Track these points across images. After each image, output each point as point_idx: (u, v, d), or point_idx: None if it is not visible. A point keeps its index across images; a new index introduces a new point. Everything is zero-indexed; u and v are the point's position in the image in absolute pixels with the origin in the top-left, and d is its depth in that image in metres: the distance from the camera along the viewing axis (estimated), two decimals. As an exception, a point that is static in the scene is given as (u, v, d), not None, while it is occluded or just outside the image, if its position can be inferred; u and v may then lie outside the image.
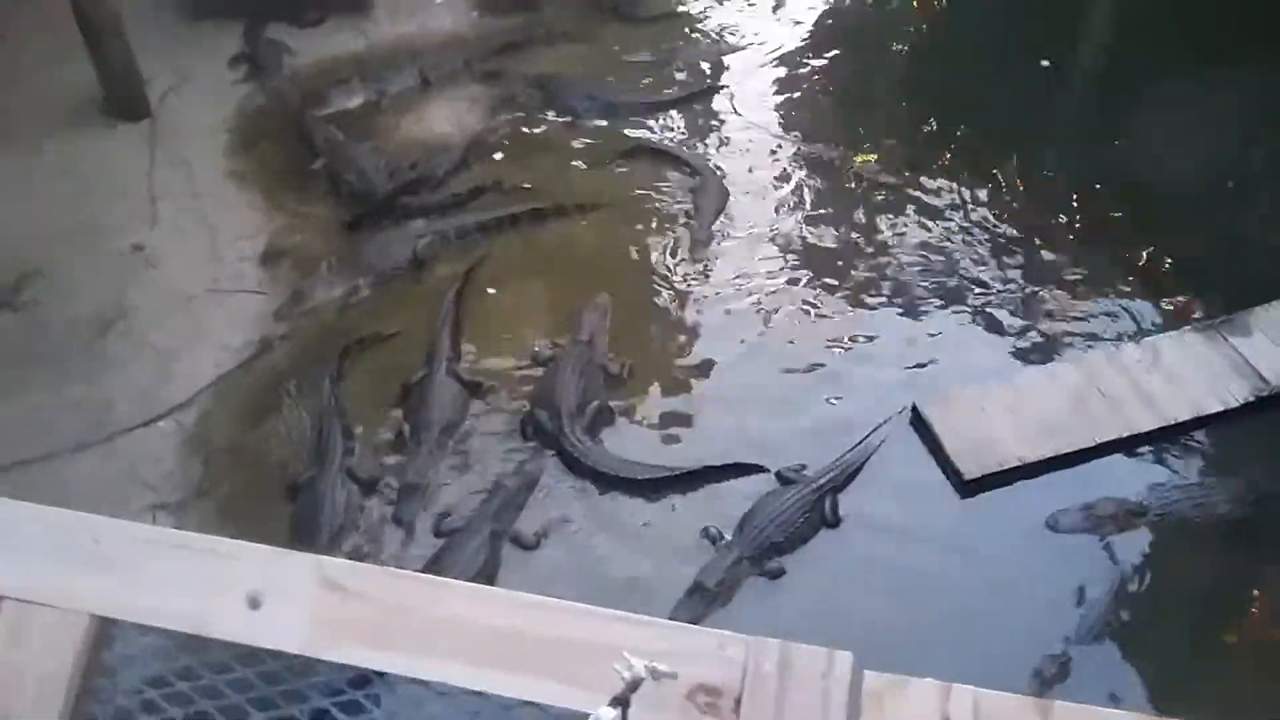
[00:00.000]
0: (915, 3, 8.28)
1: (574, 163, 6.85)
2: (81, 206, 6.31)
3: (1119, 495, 4.97)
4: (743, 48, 7.84)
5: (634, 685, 1.47)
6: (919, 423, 5.29)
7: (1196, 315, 5.81)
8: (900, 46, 8.09)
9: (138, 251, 6.09)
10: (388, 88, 7.22)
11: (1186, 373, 5.47)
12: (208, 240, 6.21)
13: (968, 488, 5.03)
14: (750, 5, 8.26)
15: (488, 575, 4.57)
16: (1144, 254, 6.20)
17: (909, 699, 1.47)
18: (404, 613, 1.77)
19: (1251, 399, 5.35)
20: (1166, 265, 6.15)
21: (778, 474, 5.06)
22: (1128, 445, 5.24)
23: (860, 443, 5.19)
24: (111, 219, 6.27)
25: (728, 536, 4.77)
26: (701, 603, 4.48)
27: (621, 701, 1.46)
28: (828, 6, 8.16)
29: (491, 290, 6.02)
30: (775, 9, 8.23)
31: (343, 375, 5.49)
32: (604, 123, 7.15)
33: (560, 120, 7.14)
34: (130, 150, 6.71)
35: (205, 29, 7.67)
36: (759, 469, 5.10)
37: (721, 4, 8.28)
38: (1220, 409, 5.33)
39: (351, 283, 5.93)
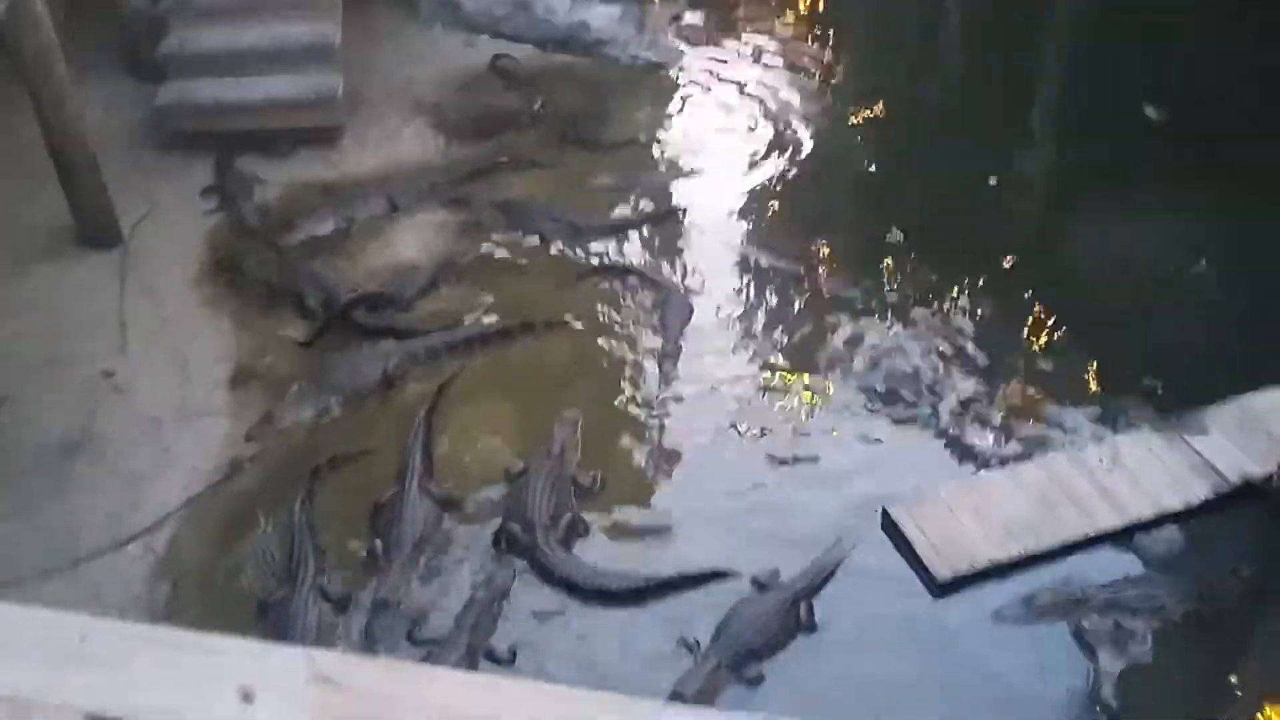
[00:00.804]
0: (864, 127, 8.65)
1: (540, 283, 7.00)
2: (52, 334, 6.35)
3: (1069, 589, 5.05)
4: (702, 171, 8.11)
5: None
6: (889, 526, 5.35)
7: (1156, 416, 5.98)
8: (855, 168, 8.43)
9: (107, 377, 6.10)
10: (356, 214, 7.39)
11: (1147, 472, 5.61)
12: (177, 365, 6.24)
13: (940, 589, 5.07)
14: (710, 133, 8.57)
15: (463, 692, 4.48)
16: (1096, 360, 6.40)
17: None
18: (396, 703, 1.79)
19: (1212, 496, 5.49)
20: (1122, 368, 6.34)
21: (752, 580, 5.07)
22: (1093, 544, 5.33)
23: (833, 547, 5.23)
24: (81, 346, 6.30)
25: (704, 644, 4.75)
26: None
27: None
28: (783, 133, 8.50)
29: (463, 408, 6.07)
30: (732, 135, 8.56)
31: (313, 495, 5.47)
32: (568, 245, 7.32)
33: (526, 243, 7.32)
34: (101, 279, 6.79)
35: (176, 160, 7.84)
36: (733, 575, 5.11)
37: (679, 132, 8.61)
38: (1181, 507, 5.46)
39: (322, 403, 5.97)
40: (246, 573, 5.13)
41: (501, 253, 7.23)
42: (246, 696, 1.77)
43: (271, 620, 4.79)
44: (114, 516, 5.32)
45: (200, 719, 1.77)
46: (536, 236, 7.34)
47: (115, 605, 4.82)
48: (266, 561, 5.13)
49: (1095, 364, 6.34)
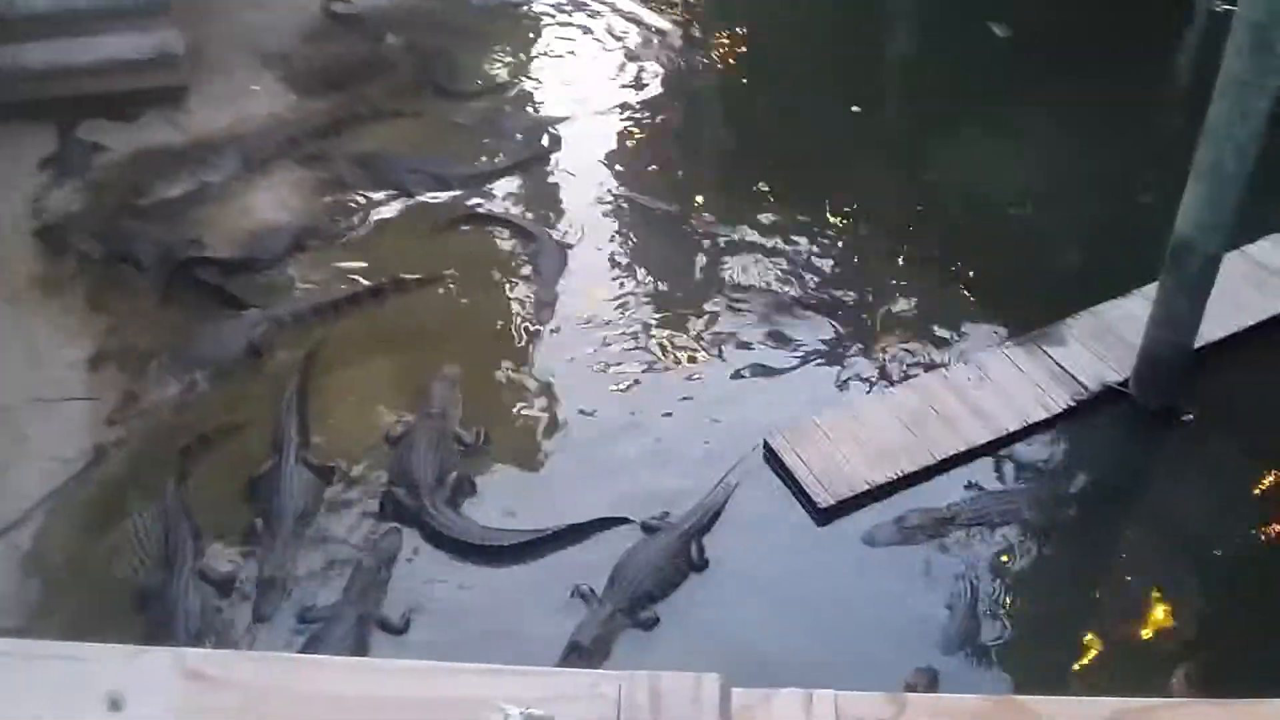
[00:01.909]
0: (729, 60, 8.63)
1: (407, 239, 6.83)
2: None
3: (942, 506, 5.25)
4: (567, 113, 7.98)
5: (513, 733, 1.49)
6: (771, 457, 5.46)
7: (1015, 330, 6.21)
8: (721, 102, 8.43)
9: (-51, 367, 5.76)
10: (209, 176, 7.07)
11: (1012, 386, 5.84)
12: (27, 349, 5.91)
13: (823, 515, 5.21)
14: (574, 72, 8.44)
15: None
16: (961, 277, 6.59)
17: (775, 709, 1.54)
18: (274, 694, 1.75)
19: (1073, 404, 5.75)
20: (982, 286, 6.55)
21: (642, 524, 5.12)
22: (966, 459, 5.55)
23: (718, 484, 5.31)
24: (-82, 337, 5.92)
25: (599, 592, 4.80)
26: (580, 661, 4.47)
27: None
28: (649, 68, 8.42)
29: (338, 372, 5.92)
30: (597, 74, 8.44)
31: (186, 475, 5.28)
32: (434, 196, 7.15)
33: (389, 197, 7.11)
34: (-66, 264, 6.36)
35: (8, 131, 7.35)
36: (623, 521, 5.15)
37: (540, 73, 8.45)
38: (1045, 416, 5.71)
39: (186, 378, 5.75)
40: (121, 562, 4.94)
41: (364, 208, 7.02)
42: (115, 704, 1.71)
43: (152, 609, 4.64)
44: (-29, 514, 5.05)
45: (71, 730, 1.71)
46: (399, 190, 7.15)
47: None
48: (141, 548, 4.95)
49: (955, 286, 6.52)
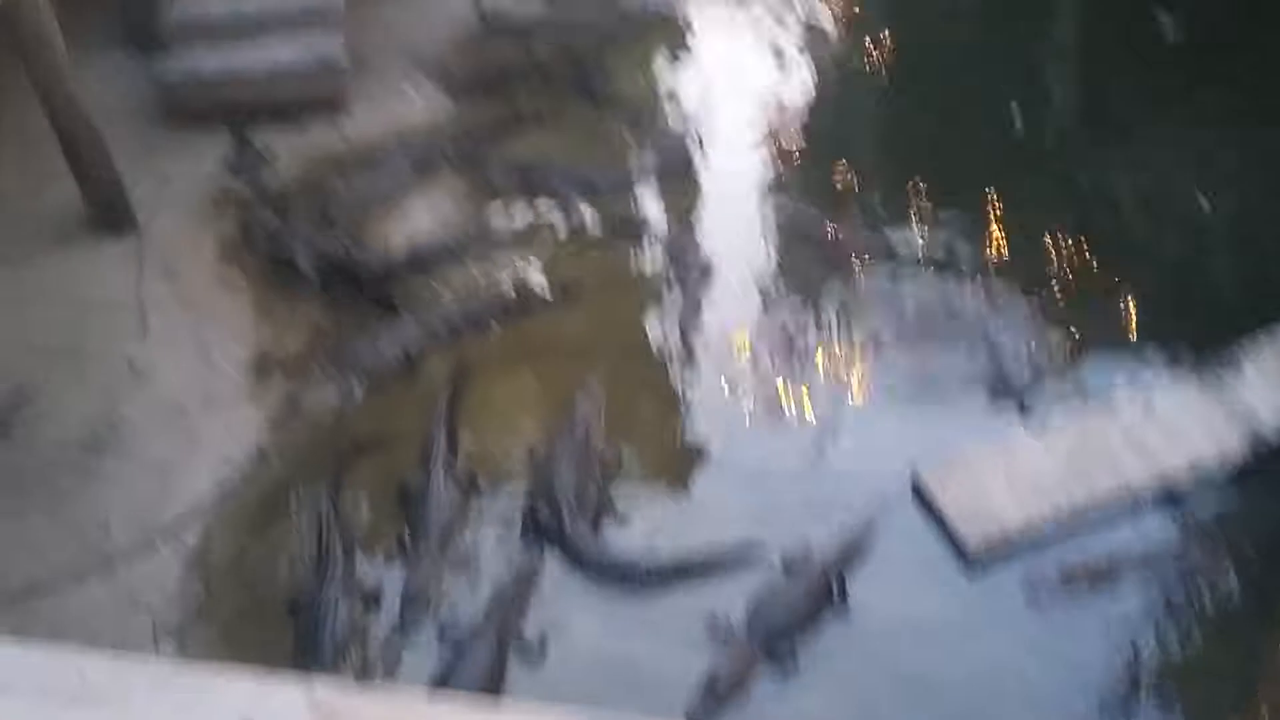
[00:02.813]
0: (882, 74, 8.38)
1: (557, 248, 6.89)
2: (70, 324, 6.31)
3: (1103, 554, 4.98)
4: (717, 125, 7.90)
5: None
6: (919, 493, 5.29)
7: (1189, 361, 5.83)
8: (874, 117, 8.21)
9: (129, 366, 6.09)
10: (372, 181, 7.27)
11: (1182, 422, 5.49)
12: (200, 351, 6.21)
13: (972, 557, 5.02)
14: (724, 84, 8.33)
15: (496, 682, 4.53)
16: (1127, 298, 6.24)
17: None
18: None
19: (1250, 444, 5.37)
20: (1151, 309, 6.18)
21: (782, 557, 5.03)
22: (1128, 503, 5.24)
23: (863, 517, 5.18)
24: (101, 335, 6.26)
25: (737, 626, 4.74)
26: (717, 696, 4.43)
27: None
28: (799, 82, 8.27)
29: (486, 385, 6.02)
30: (747, 87, 8.31)
31: (341, 483, 5.46)
32: (585, 203, 7.19)
33: (540, 204, 7.18)
34: (118, 265, 6.72)
35: (184, 136, 7.70)
36: (763, 552, 5.07)
37: (691, 84, 8.38)
38: (1219, 457, 5.35)
39: (344, 386, 5.94)
40: (278, 565, 5.15)
41: (517, 217, 7.11)
42: None
43: (301, 614, 4.81)
44: (145, 510, 5.33)
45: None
46: (551, 197, 7.21)
47: (150, 606, 4.86)
48: (297, 553, 5.14)
49: (1121, 308, 6.17)
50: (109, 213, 6.91)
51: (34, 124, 6.70)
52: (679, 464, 5.60)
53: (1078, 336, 6.11)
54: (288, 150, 7.64)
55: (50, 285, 6.56)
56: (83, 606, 4.87)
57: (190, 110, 7.80)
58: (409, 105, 8.08)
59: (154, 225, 7.02)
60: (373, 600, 4.93)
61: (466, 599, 4.94)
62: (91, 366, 6.09)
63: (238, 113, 7.75)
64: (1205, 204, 6.76)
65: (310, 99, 7.89)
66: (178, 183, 7.39)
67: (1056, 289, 6.41)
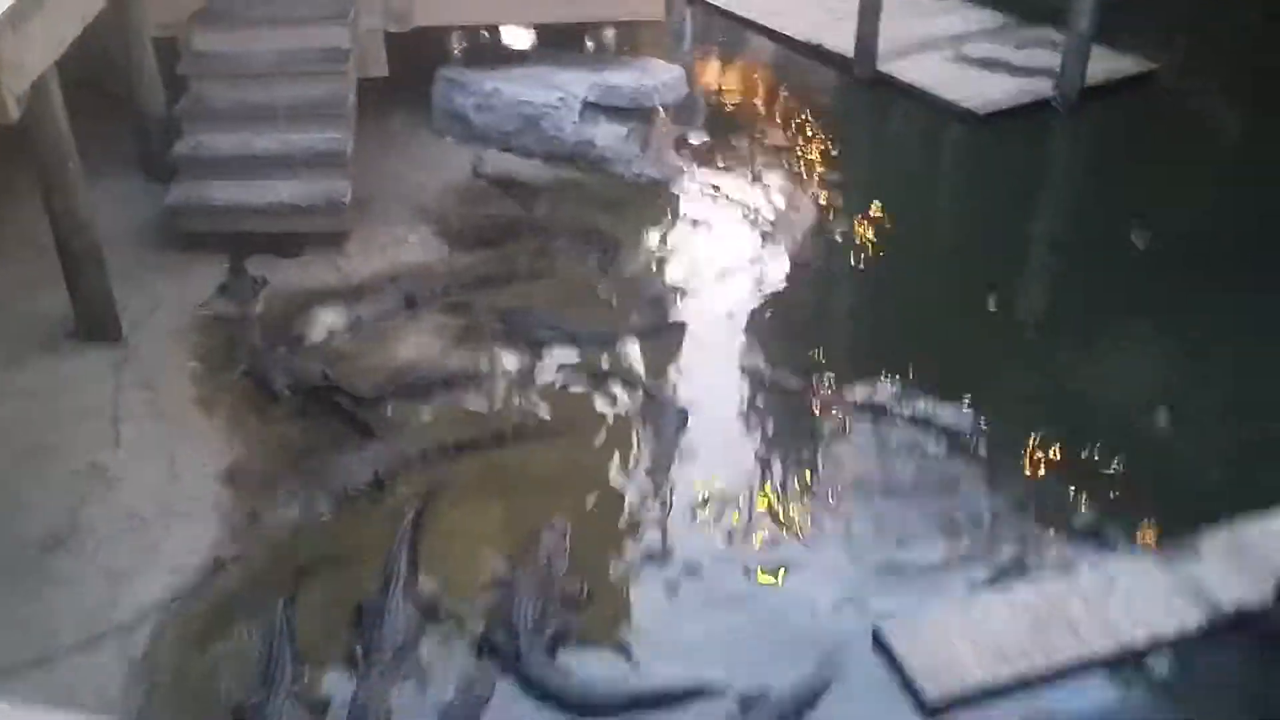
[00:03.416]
0: (865, 250, 8.80)
1: (533, 390, 7.02)
2: (44, 426, 6.34)
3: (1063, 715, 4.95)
4: (701, 285, 8.22)
5: None
6: (880, 646, 5.26)
7: (1149, 542, 5.93)
8: (855, 289, 8.57)
9: (95, 471, 6.07)
10: (360, 314, 7.46)
11: (1142, 597, 5.54)
12: (167, 461, 6.21)
13: (930, 711, 4.95)
14: (711, 248, 8.71)
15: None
16: (1091, 484, 6.37)
17: None
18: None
19: (1206, 625, 5.41)
20: (1113, 495, 6.31)
21: (739, 698, 4.95)
22: (1086, 668, 5.24)
23: (823, 665, 5.13)
24: (73, 439, 6.28)
25: (689, 764, 4.63)
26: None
27: None
28: (784, 251, 8.66)
29: (452, 511, 6.03)
30: (732, 251, 8.69)
31: (295, 597, 5.38)
32: (565, 353, 7.37)
33: (522, 350, 7.36)
34: (97, 373, 6.81)
35: (181, 259, 7.95)
36: (720, 692, 4.98)
37: (680, 246, 8.76)
38: (1175, 634, 5.37)
39: (310, 504, 5.93)
40: (223, 676, 5.01)
41: (497, 359, 7.27)
42: None
43: (246, 727, 4.67)
44: (91, 614, 5.23)
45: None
46: (532, 344, 7.40)
47: (89, 708, 4.70)
48: (244, 664, 5.02)
49: (1085, 492, 6.30)
50: (96, 322, 7.05)
51: (36, 231, 6.91)
52: (641, 601, 5.57)
53: (1042, 513, 6.20)
54: (282, 280, 7.85)
55: (29, 386, 6.63)
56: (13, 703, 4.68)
57: (192, 236, 8.07)
58: (405, 248, 8.37)
59: (139, 340, 7.15)
60: (319, 712, 4.79)
61: (417, 716, 4.79)
62: (59, 468, 6.09)
63: (238, 242, 8.01)
64: (1168, 410, 7.01)
65: (310, 234, 8.18)
66: (168, 303, 7.57)
67: (1026, 466, 6.54)
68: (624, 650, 5.29)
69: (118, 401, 6.62)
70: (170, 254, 7.99)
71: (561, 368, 7.21)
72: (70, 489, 5.95)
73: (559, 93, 9.54)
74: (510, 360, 7.24)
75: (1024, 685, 5.08)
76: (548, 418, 6.73)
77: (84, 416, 6.49)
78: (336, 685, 4.99)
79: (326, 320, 7.38)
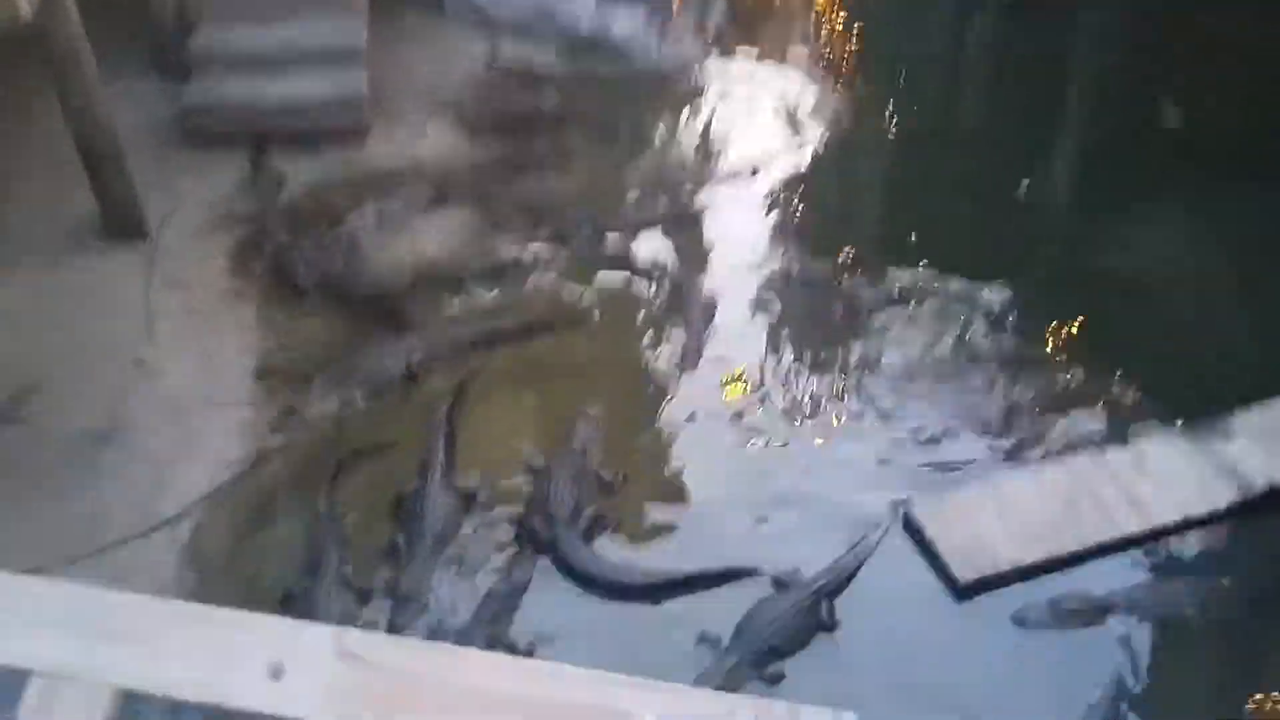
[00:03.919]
0: (887, 135, 8.62)
1: (562, 280, 7.01)
2: (81, 325, 6.39)
3: (1092, 594, 5.02)
4: (725, 174, 8.10)
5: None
6: (911, 527, 5.34)
7: (1179, 420, 5.93)
8: (878, 176, 8.43)
9: (137, 366, 6.15)
10: (383, 208, 7.42)
11: (1173, 477, 5.55)
12: (204, 356, 6.28)
13: (962, 591, 5.05)
14: (733, 137, 8.56)
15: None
16: (1121, 363, 6.35)
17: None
18: (421, 682, 1.80)
19: (1237, 502, 5.44)
20: (1144, 374, 6.29)
21: (773, 578, 5.07)
22: (1116, 548, 5.30)
23: (855, 546, 5.22)
24: (110, 336, 6.34)
25: (725, 641, 4.75)
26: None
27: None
28: (806, 139, 8.50)
29: (486, 402, 6.09)
30: (755, 140, 8.53)
31: (338, 486, 5.49)
32: (591, 243, 7.33)
33: (546, 240, 7.32)
34: (129, 272, 6.82)
35: (202, 157, 7.87)
36: (753, 573, 5.10)
37: (701, 136, 8.60)
38: (1207, 513, 5.41)
39: (345, 395, 6.00)
40: (270, 563, 5.16)
41: (523, 250, 7.24)
42: (275, 672, 1.79)
43: (295, 611, 4.80)
44: (141, 504, 5.35)
45: (230, 693, 1.80)
46: (557, 234, 7.35)
47: (142, 593, 4.83)
48: (290, 551, 5.15)
49: (1121, 369, 6.28)
50: (124, 223, 7.04)
51: (59, 136, 6.86)
52: (674, 488, 5.65)
53: (1072, 388, 6.20)
54: (302, 175, 7.80)
55: (64, 286, 6.66)
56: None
57: (210, 133, 7.98)
58: (424, 141, 8.26)
59: (165, 238, 7.15)
60: (364, 598, 4.93)
61: (456, 603, 4.93)
62: (99, 364, 6.16)
63: (256, 138, 7.93)
64: (1199, 290, 6.92)
65: (328, 129, 8.07)
66: (191, 200, 7.53)
67: (1055, 347, 6.52)
68: (658, 534, 5.39)
69: (151, 299, 6.65)
70: (190, 152, 7.91)
71: (589, 258, 7.18)
72: (111, 383, 6.03)
73: (575, -22, 9.29)
74: (536, 252, 7.21)
75: (1055, 565, 5.15)
76: (577, 308, 6.72)
77: (119, 313, 6.53)
78: (379, 573, 5.11)
79: (350, 214, 7.31)
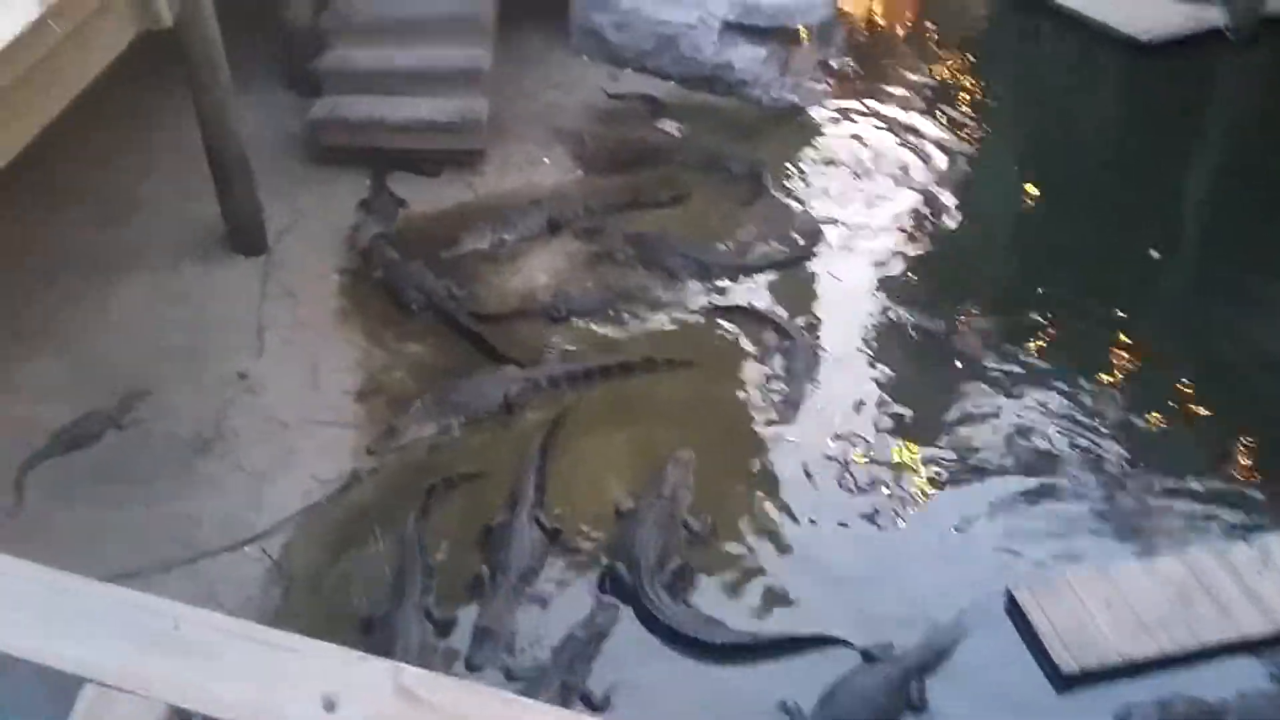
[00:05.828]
0: (1013, 187, 8.36)
1: (665, 320, 6.94)
2: (193, 332, 6.56)
3: (1205, 699, 4.69)
4: (840, 218, 7.92)
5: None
6: (1014, 610, 5.09)
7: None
8: (1002, 229, 8.16)
9: (241, 379, 6.27)
10: (509, 234, 7.47)
11: (1302, 577, 5.21)
12: (308, 372, 6.37)
13: (1064, 682, 4.78)
14: (850, 179, 8.40)
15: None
16: (1248, 452, 5.99)
17: None
18: (476, 727, 1.73)
19: (1369, 609, 5.06)
20: (1273, 465, 5.92)
21: (863, 651, 4.87)
22: (1234, 650, 4.97)
23: (951, 625, 4.99)
24: (219, 346, 6.49)
25: (806, 712, 4.57)
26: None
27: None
28: (927, 185, 8.28)
29: (579, 439, 6.03)
30: (873, 183, 8.36)
31: (427, 513, 5.49)
32: (697, 282, 7.24)
33: (654, 278, 7.26)
34: (244, 282, 6.99)
35: (325, 173, 8.05)
36: (844, 643, 4.92)
37: (818, 177, 8.45)
38: (1336, 619, 5.05)
39: (443, 422, 6.02)
40: (355, 585, 5.17)
41: (629, 286, 7.19)
42: (329, 704, 1.73)
43: (375, 636, 4.80)
44: (235, 516, 5.43)
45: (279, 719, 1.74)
46: (665, 272, 7.29)
47: (229, 606, 4.89)
48: (375, 576, 5.16)
49: (1240, 459, 5.92)
50: (245, 233, 7.22)
51: (188, 143, 7.07)
52: (766, 545, 5.49)
53: (1193, 481, 5.86)
54: (420, 197, 7.89)
55: (182, 292, 6.86)
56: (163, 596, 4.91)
57: (334, 150, 8.15)
58: (540, 169, 8.30)
59: (283, 251, 7.30)
60: (446, 628, 4.90)
61: (537, 642, 4.87)
62: (207, 373, 6.30)
63: (378, 157, 8.07)
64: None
65: (448, 153, 8.18)
66: (310, 215, 7.69)
67: (1175, 434, 6.18)
68: (747, 589, 5.25)
69: (263, 311, 6.79)
70: (312, 168, 8.10)
71: (694, 297, 7.09)
72: (217, 394, 6.16)
73: (698, 11, 9.23)
74: (644, 288, 7.15)
75: (1165, 662, 4.85)
76: (678, 348, 6.63)
77: (231, 324, 6.68)
78: (462, 603, 5.07)
79: (466, 239, 7.37)
